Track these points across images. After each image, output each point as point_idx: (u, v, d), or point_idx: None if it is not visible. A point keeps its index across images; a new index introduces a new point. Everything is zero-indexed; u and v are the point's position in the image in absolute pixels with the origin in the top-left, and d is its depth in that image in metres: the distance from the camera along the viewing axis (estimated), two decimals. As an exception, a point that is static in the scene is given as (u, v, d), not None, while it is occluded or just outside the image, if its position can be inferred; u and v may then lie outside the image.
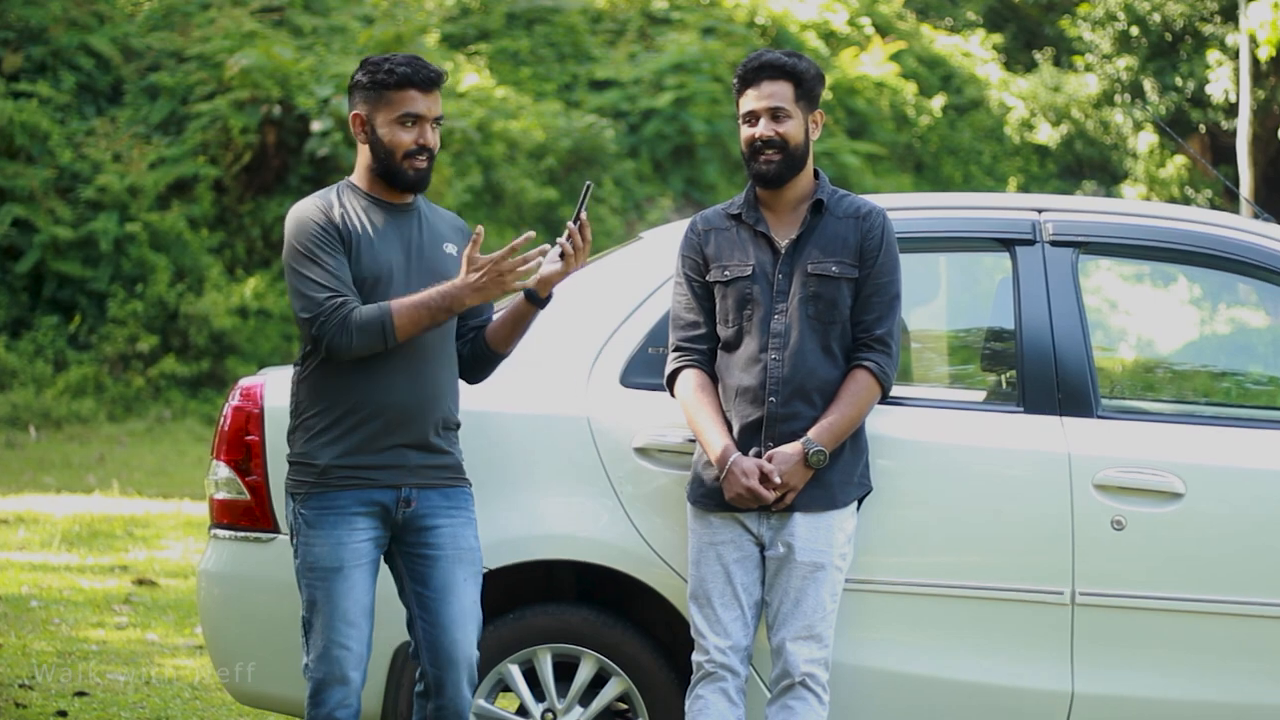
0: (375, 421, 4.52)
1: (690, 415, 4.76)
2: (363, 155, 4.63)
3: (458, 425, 4.68)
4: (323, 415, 4.54)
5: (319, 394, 4.55)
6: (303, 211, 4.56)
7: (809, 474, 4.66)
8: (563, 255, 4.53)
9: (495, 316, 4.72)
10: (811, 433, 4.67)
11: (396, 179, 4.57)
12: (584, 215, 4.54)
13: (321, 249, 4.48)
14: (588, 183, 4.63)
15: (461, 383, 4.74)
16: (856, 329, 4.74)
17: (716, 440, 4.70)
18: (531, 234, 4.50)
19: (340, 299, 4.45)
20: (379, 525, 4.57)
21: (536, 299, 4.59)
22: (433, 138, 4.58)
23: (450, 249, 4.65)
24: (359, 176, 4.64)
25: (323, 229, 4.50)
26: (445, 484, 4.62)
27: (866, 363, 4.72)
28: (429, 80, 4.55)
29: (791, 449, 4.66)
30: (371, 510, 4.54)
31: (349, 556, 4.52)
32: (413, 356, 4.54)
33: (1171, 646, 4.83)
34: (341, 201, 4.58)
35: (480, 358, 4.73)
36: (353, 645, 4.53)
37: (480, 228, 4.48)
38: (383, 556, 4.64)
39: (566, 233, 4.54)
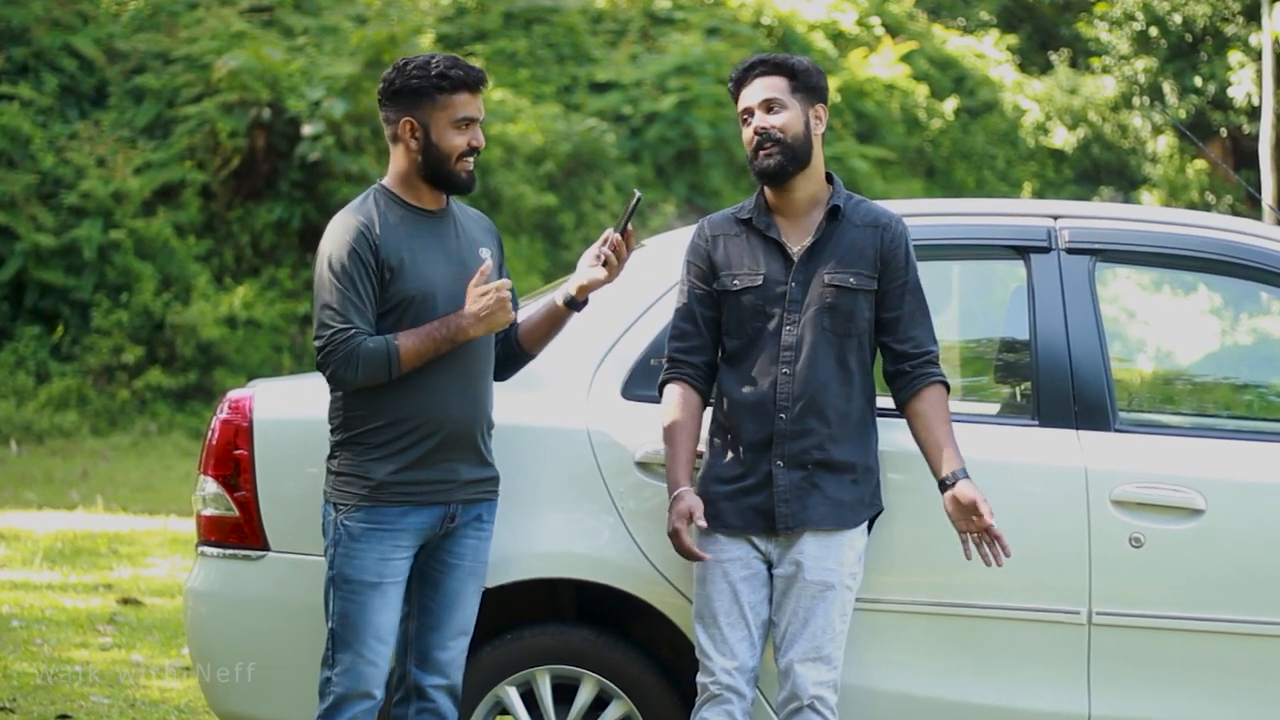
0: (434, 438, 4.57)
1: (663, 433, 4.69)
2: (404, 160, 4.62)
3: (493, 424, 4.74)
4: (381, 430, 4.57)
5: (375, 409, 4.57)
6: (343, 229, 4.56)
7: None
8: (605, 263, 4.58)
9: (528, 317, 4.78)
10: (950, 466, 4.55)
11: (451, 183, 4.62)
12: (629, 226, 4.59)
13: (348, 274, 4.50)
14: (636, 193, 4.65)
15: None
16: (907, 344, 4.65)
17: (676, 469, 4.63)
18: None
19: (350, 330, 4.47)
20: (418, 543, 4.60)
21: (574, 303, 4.64)
22: (481, 138, 4.65)
23: (485, 253, 4.69)
24: (396, 182, 4.65)
25: (358, 252, 4.52)
26: (485, 498, 4.66)
27: (936, 379, 4.64)
28: (479, 81, 4.61)
29: (971, 489, 4.52)
30: (418, 528, 4.58)
31: (389, 573, 4.55)
32: (466, 369, 4.60)
33: (1191, 668, 4.77)
34: (382, 214, 4.58)
35: (511, 358, 4.78)
36: (380, 663, 4.56)
37: (488, 263, 4.58)
38: None
39: (607, 240, 4.58)
